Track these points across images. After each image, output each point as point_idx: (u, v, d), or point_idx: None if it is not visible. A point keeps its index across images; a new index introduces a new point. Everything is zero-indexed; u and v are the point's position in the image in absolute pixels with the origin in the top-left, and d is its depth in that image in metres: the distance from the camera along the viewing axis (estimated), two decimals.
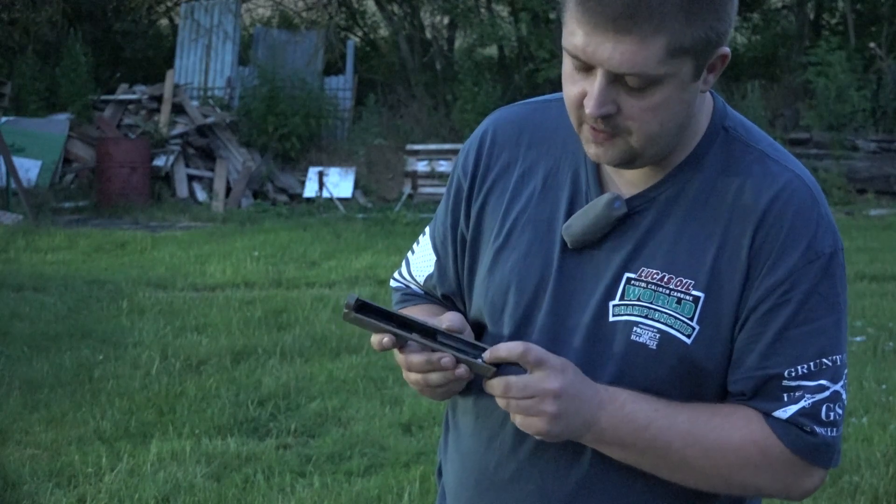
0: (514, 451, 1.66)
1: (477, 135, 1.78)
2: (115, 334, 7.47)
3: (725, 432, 1.56)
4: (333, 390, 6.25)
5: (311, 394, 6.18)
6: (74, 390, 6.14)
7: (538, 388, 1.52)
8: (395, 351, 1.61)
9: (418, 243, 1.87)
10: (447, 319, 1.62)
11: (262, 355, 6.97)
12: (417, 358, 1.58)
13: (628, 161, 1.56)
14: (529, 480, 1.65)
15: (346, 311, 1.56)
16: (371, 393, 6.21)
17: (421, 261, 1.84)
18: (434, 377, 1.59)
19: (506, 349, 1.54)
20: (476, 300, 1.72)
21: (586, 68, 1.51)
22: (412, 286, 1.87)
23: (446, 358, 1.56)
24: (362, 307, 1.57)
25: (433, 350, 1.57)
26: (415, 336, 1.58)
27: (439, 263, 1.81)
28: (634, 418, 1.55)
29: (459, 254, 1.77)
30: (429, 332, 1.59)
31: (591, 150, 1.57)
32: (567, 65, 1.54)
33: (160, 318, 7.96)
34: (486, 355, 1.55)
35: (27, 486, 4.77)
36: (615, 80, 1.49)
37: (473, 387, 1.70)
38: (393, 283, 1.93)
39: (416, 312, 1.78)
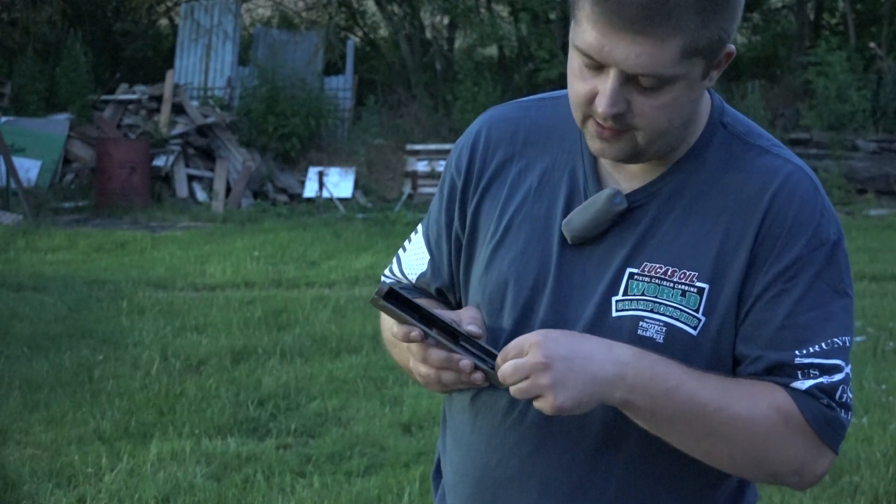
0: (517, 448, 1.66)
1: (470, 133, 1.77)
2: (115, 334, 7.47)
3: (753, 400, 1.55)
4: (333, 390, 6.25)
5: (311, 394, 6.18)
6: (74, 390, 6.14)
7: (525, 366, 1.51)
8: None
9: (410, 241, 1.86)
10: (468, 319, 1.62)
11: (262, 355, 6.97)
12: (437, 354, 1.58)
13: (632, 156, 1.58)
14: (531, 477, 1.65)
15: (375, 296, 1.55)
16: (371, 393, 6.21)
17: (413, 259, 1.84)
18: (447, 376, 1.59)
19: (509, 375, 1.52)
20: (472, 298, 1.72)
21: (598, 67, 1.51)
22: (404, 282, 1.87)
23: (465, 361, 1.56)
24: (390, 295, 1.56)
25: (452, 350, 1.57)
26: (436, 333, 1.57)
27: (433, 262, 1.80)
28: (665, 378, 1.52)
29: (454, 252, 1.77)
30: (450, 333, 1.58)
31: (596, 146, 1.58)
32: (575, 61, 1.54)
33: (160, 318, 7.96)
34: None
35: (27, 486, 4.77)
36: (628, 79, 1.49)
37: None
38: (384, 280, 1.92)
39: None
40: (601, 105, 1.51)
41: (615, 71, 1.49)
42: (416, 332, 1.56)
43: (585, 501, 1.63)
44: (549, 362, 1.49)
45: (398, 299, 1.57)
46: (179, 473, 4.91)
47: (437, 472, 1.87)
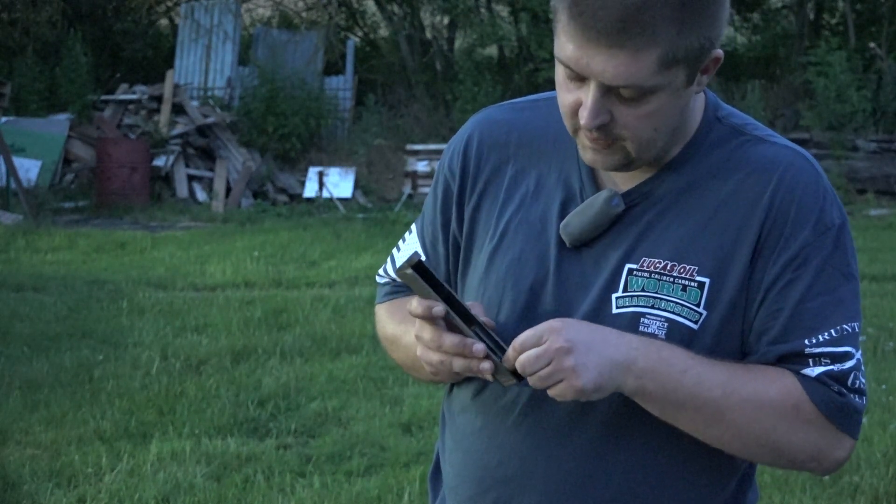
0: (517, 448, 1.65)
1: (463, 135, 1.76)
2: (115, 334, 7.47)
3: (762, 385, 1.55)
4: (333, 390, 6.25)
5: (311, 394, 6.18)
6: (74, 390, 6.14)
7: (548, 352, 1.49)
8: (424, 322, 1.57)
9: (404, 241, 1.84)
10: (481, 313, 1.60)
11: (262, 355, 6.97)
12: (451, 339, 1.56)
13: (625, 165, 1.58)
14: (532, 477, 1.65)
15: (404, 264, 1.52)
16: (371, 393, 6.21)
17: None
18: (459, 363, 1.57)
19: (530, 364, 1.51)
20: (470, 301, 1.71)
21: (579, 78, 1.51)
22: (398, 282, 1.86)
23: (479, 345, 1.54)
24: (418, 268, 1.53)
25: (465, 335, 1.55)
26: (454, 316, 1.55)
27: (428, 263, 1.79)
28: (673, 363, 1.53)
29: (452, 254, 1.76)
30: (468, 318, 1.56)
31: (588, 156, 1.58)
32: (560, 73, 1.54)
33: (160, 318, 7.96)
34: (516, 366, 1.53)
35: (27, 486, 4.77)
36: (609, 91, 1.49)
37: (471, 384, 1.70)
38: (379, 280, 1.90)
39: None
40: (583, 118, 1.51)
41: (595, 83, 1.48)
42: (439, 308, 1.54)
43: (586, 501, 1.63)
44: (571, 346, 1.49)
45: (425, 274, 1.54)
46: (179, 473, 4.91)
47: (434, 475, 1.87)
